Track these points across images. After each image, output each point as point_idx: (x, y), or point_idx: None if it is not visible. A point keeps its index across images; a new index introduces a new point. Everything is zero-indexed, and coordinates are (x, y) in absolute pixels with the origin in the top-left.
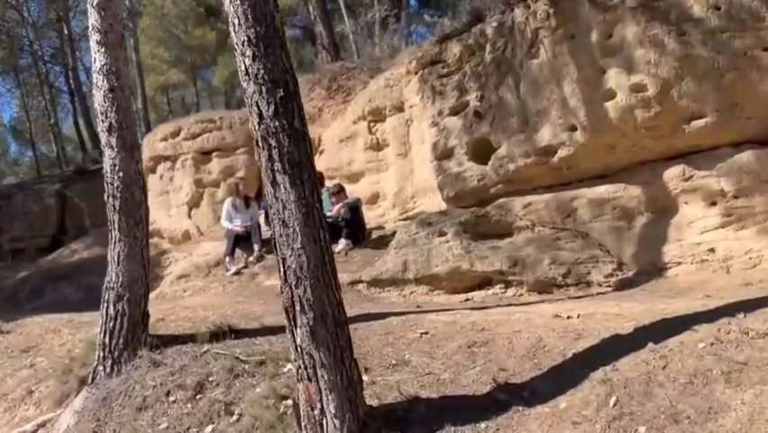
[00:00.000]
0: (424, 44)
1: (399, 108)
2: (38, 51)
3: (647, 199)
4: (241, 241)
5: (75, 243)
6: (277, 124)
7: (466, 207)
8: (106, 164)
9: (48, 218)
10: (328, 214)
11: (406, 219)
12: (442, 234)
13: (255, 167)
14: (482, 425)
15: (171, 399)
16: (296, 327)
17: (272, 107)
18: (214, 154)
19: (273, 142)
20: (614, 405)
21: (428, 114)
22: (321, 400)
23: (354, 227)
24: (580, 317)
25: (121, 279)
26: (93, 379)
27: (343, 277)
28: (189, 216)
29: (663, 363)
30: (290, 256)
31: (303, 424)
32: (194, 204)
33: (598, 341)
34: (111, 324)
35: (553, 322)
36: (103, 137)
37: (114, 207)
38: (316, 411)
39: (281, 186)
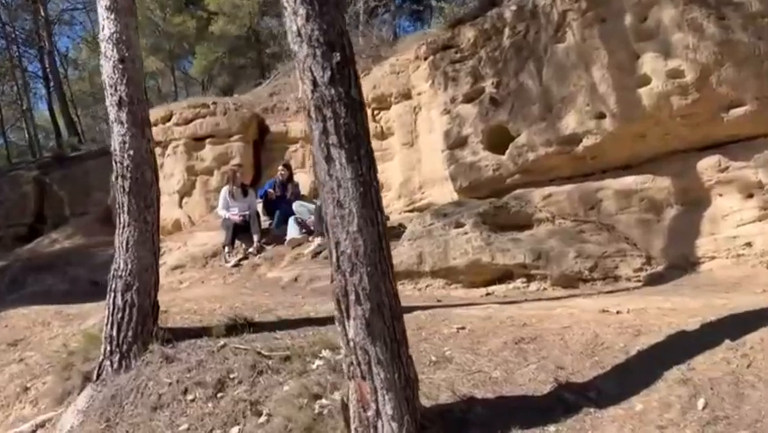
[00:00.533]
0: (433, 29)
1: (406, 95)
2: (11, 34)
3: (677, 191)
4: (239, 231)
5: (54, 232)
6: (333, 92)
7: (479, 198)
8: (115, 142)
9: (25, 206)
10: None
11: (412, 210)
12: (459, 225)
13: (250, 155)
14: (551, 428)
15: (190, 397)
16: (348, 318)
17: (328, 74)
18: (207, 141)
19: (328, 113)
20: (703, 408)
21: (439, 101)
22: (376, 400)
23: None
24: (631, 312)
25: (130, 266)
26: (99, 375)
27: None
28: (180, 205)
29: (747, 362)
30: (345, 240)
31: (353, 427)
32: (186, 192)
33: (663, 338)
34: (119, 315)
35: (604, 317)
36: (111, 112)
37: (124, 189)
38: (370, 413)
39: (336, 162)
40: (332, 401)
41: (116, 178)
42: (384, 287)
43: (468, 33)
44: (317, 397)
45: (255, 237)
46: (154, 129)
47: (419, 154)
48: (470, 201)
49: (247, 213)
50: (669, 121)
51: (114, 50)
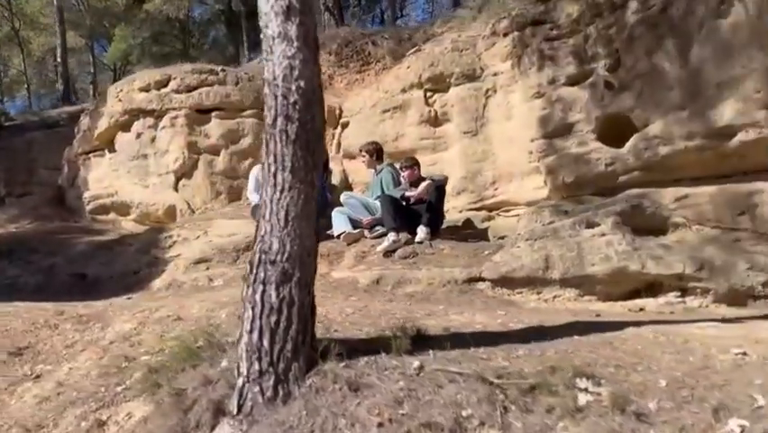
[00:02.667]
0: (512, 3)
1: (471, 77)
2: None
3: None
4: None
5: None
6: None
7: (580, 197)
8: (276, 66)
9: None
10: (407, 194)
11: (480, 209)
12: (591, 224)
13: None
14: None
15: None
16: None
17: None
18: (213, 114)
19: None
20: None
21: (529, 82)
22: None
23: (437, 213)
24: None
25: (288, 248)
26: (240, 407)
27: (455, 273)
28: (176, 189)
29: None
30: None
31: None
32: (184, 173)
33: None
34: (272, 318)
35: None
36: (273, 23)
37: (287, 135)
38: None
39: None
40: None
41: (274, 119)
42: None
43: (568, 8)
44: None
45: None
46: (145, 95)
47: (488, 145)
48: (591, 198)
49: None
50: None
51: None
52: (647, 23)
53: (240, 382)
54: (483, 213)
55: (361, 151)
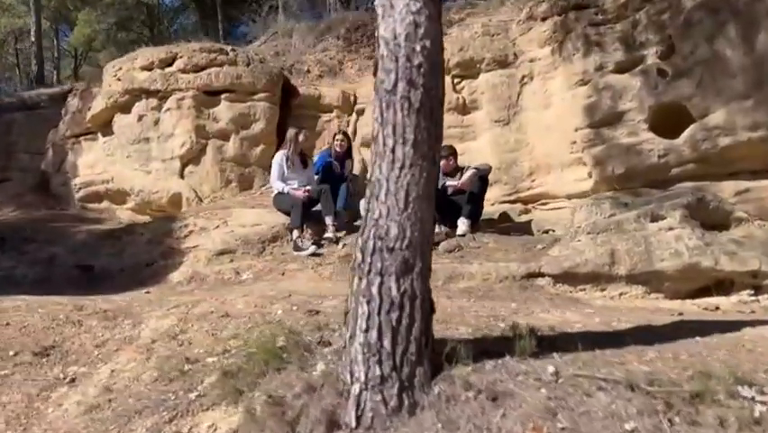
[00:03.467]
0: None
1: (503, 63)
2: None
3: None
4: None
5: None
6: None
7: (630, 189)
8: (398, 24)
9: None
10: (449, 183)
11: (515, 201)
12: (656, 218)
13: (275, 120)
14: None
15: None
16: None
17: None
18: (223, 96)
19: None
20: None
21: (573, 69)
22: None
23: (478, 204)
24: None
25: (408, 234)
26: (358, 419)
27: (511, 267)
28: (182, 175)
29: None
30: None
31: None
32: (192, 158)
33: None
34: (394, 314)
35: None
36: None
37: (409, 102)
38: None
39: None
40: None
41: (394, 83)
42: None
43: None
44: None
45: (328, 220)
46: (148, 75)
47: (522, 134)
48: (648, 191)
49: (321, 187)
50: None
51: None
52: (707, 9)
53: (356, 389)
54: (518, 205)
55: None
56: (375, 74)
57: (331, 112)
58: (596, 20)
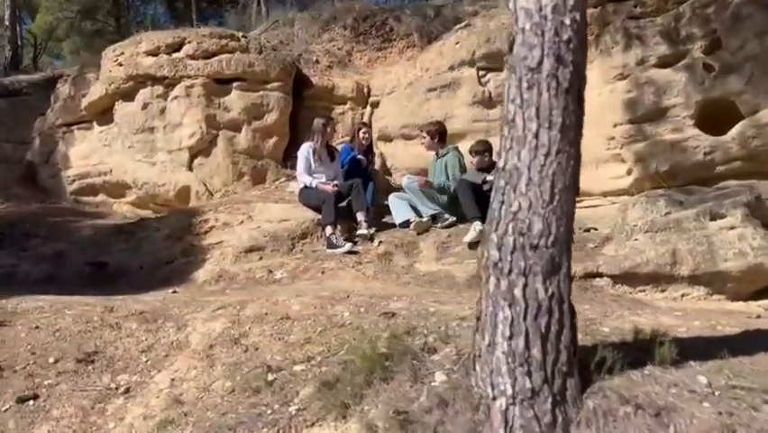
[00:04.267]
0: None
1: None
2: None
3: None
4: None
5: None
6: None
7: (673, 187)
8: None
9: None
10: (488, 178)
11: None
12: (716, 216)
13: (288, 110)
14: None
15: None
16: None
17: None
18: (234, 85)
19: None
20: None
21: (612, 63)
22: None
23: None
24: None
25: (554, 230)
26: None
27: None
28: (190, 168)
29: None
30: None
31: None
32: (202, 150)
33: None
34: (542, 320)
35: None
36: None
37: (557, 82)
38: None
39: None
40: None
41: (539, 61)
42: None
43: None
44: None
45: (360, 216)
46: (154, 60)
47: None
48: (698, 189)
49: (353, 181)
50: None
51: None
52: (756, 3)
53: (501, 404)
54: (609, 202)
55: (421, 131)
56: (511, 50)
57: (344, 104)
58: (635, 12)
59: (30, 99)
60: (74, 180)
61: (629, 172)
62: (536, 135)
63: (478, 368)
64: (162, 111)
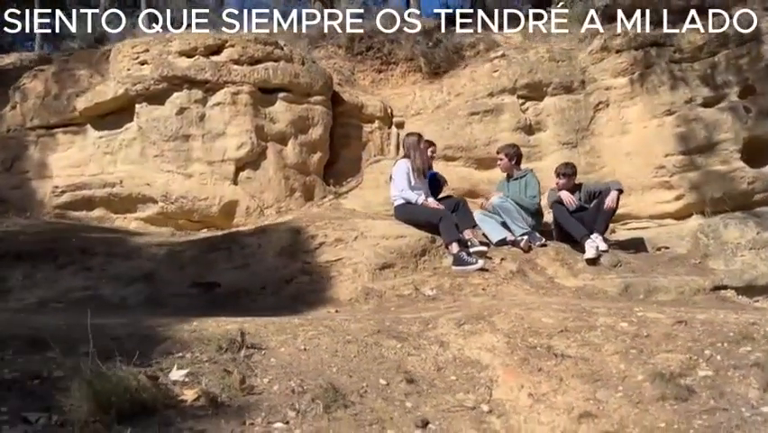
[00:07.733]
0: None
1: (569, 88)
2: None
3: None
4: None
5: None
6: None
7: (722, 212)
8: None
9: None
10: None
11: None
12: None
13: (329, 126)
14: None
15: None
16: None
17: None
18: (279, 95)
19: None
20: None
21: (659, 100)
22: None
23: (609, 222)
24: None
25: None
26: None
27: (697, 281)
28: (235, 181)
29: None
30: None
31: None
32: (250, 163)
33: None
34: None
35: None
36: None
37: None
38: None
39: None
40: None
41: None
42: None
43: (689, 36)
44: None
45: (468, 233)
46: (191, 61)
47: (594, 158)
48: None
49: (449, 199)
50: None
51: None
52: None
53: None
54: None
55: (498, 152)
56: None
57: (372, 123)
58: (675, 57)
59: None
60: (63, 192)
61: (678, 198)
62: None
63: None
64: (202, 118)
